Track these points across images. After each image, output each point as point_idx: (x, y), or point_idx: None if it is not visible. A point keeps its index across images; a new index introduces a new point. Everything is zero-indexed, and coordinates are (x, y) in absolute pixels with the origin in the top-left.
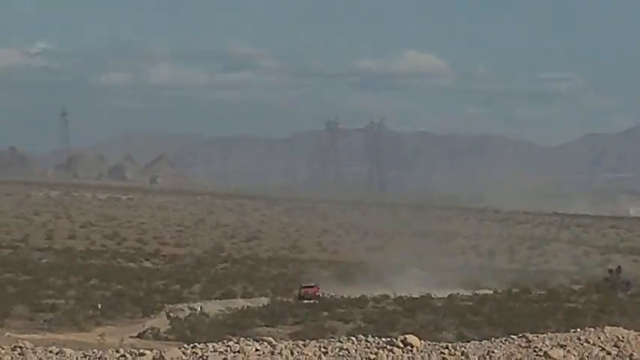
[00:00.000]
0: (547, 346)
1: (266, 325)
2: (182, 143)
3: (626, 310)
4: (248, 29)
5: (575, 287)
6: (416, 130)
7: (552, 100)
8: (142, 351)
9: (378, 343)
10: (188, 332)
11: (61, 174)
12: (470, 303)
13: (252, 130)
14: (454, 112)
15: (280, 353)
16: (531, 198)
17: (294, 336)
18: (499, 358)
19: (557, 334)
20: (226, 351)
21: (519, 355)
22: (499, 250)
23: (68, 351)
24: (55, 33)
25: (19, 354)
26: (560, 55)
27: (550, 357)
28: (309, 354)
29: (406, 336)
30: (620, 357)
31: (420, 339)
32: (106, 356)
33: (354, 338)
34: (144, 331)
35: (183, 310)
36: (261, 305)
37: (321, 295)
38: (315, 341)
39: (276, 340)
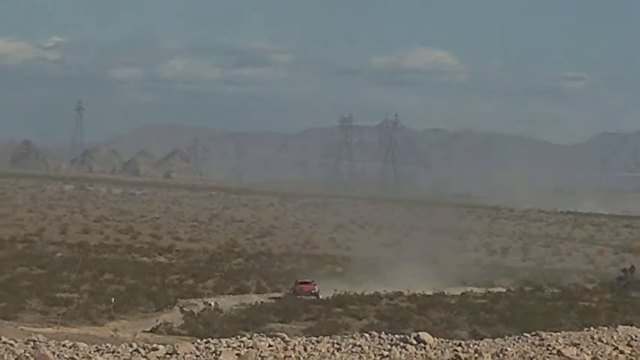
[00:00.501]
0: (560, 344)
1: (279, 321)
2: (196, 138)
3: None
4: (262, 24)
5: (589, 286)
6: (429, 127)
7: (567, 98)
8: (155, 346)
9: (392, 340)
10: (201, 327)
11: (75, 168)
12: (483, 301)
13: (266, 125)
14: (467, 109)
15: (293, 349)
16: (543, 196)
17: (307, 332)
18: (512, 355)
19: (571, 332)
20: (240, 347)
21: (532, 353)
22: (512, 247)
23: (81, 345)
24: (68, 26)
25: (33, 347)
26: (575, 53)
27: (563, 355)
28: (323, 350)
29: (419, 333)
30: (633, 356)
31: (433, 336)
32: (119, 350)
33: (367, 335)
34: (157, 326)
35: (196, 305)
36: (274, 301)
37: (316, 292)
38: (328, 337)
39: (289, 336)
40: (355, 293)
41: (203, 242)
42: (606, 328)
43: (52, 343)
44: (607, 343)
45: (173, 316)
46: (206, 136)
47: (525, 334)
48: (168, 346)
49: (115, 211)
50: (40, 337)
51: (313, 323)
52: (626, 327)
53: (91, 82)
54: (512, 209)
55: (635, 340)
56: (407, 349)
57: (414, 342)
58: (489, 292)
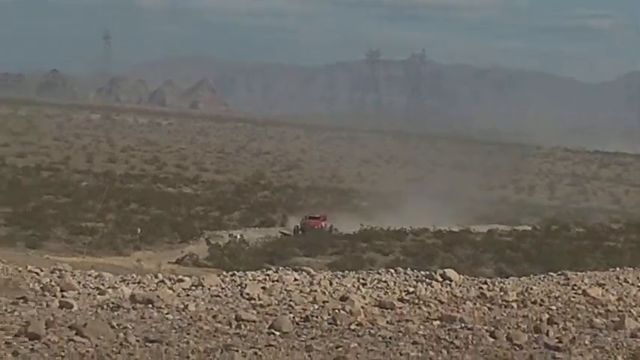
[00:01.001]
0: (586, 284)
1: (305, 255)
2: (222, 69)
3: None
4: None
5: (615, 226)
6: (455, 62)
7: (594, 36)
8: (180, 277)
9: (417, 277)
10: (227, 259)
11: (102, 97)
12: (509, 239)
13: (293, 58)
14: (493, 45)
15: (319, 283)
16: (564, 134)
17: (332, 266)
18: (537, 294)
19: (596, 272)
20: (265, 280)
21: (557, 292)
22: (539, 185)
23: (107, 275)
24: None
25: (58, 277)
26: None
27: (588, 295)
28: (348, 285)
29: (445, 270)
30: None
31: (459, 273)
32: (144, 281)
33: (392, 271)
34: (182, 257)
35: (222, 237)
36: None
37: (324, 227)
38: (353, 272)
39: (315, 270)
40: (381, 228)
41: (229, 174)
42: (631, 268)
43: (77, 272)
44: (632, 284)
45: (198, 248)
46: (232, 67)
47: (550, 273)
48: (193, 277)
49: (141, 140)
50: (66, 266)
51: (338, 257)
52: None
53: (119, 10)
54: (540, 147)
55: None
56: (432, 286)
57: (440, 279)
58: (515, 230)
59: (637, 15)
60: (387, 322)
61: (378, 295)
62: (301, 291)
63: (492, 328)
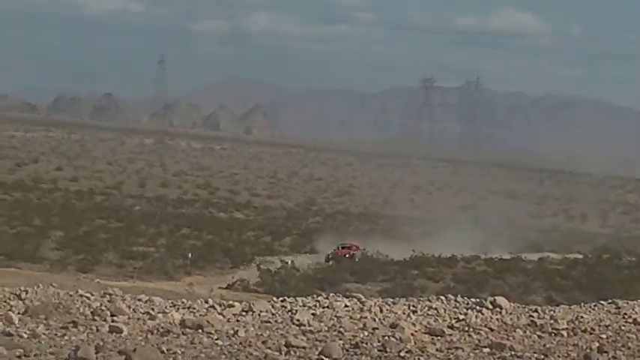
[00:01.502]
0: (636, 313)
1: (355, 282)
2: (275, 94)
3: None
4: None
5: None
6: (510, 90)
7: None
8: (230, 302)
9: (467, 304)
10: (277, 285)
11: (156, 122)
12: (560, 267)
13: (346, 83)
14: (549, 73)
15: (369, 310)
16: (619, 163)
17: (383, 293)
18: (588, 323)
19: None
20: (315, 306)
21: (608, 321)
22: (591, 214)
23: (157, 300)
24: None
25: (109, 301)
26: None
27: (639, 324)
28: (399, 312)
29: (495, 297)
30: None
31: (510, 301)
32: (194, 306)
33: (443, 298)
34: (233, 283)
35: (273, 262)
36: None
37: (354, 256)
38: (404, 299)
39: (365, 297)
40: (432, 255)
41: (281, 199)
42: None
43: (127, 297)
44: None
45: (249, 273)
46: (285, 92)
47: (601, 302)
48: (244, 303)
49: (194, 165)
50: (116, 290)
51: (389, 284)
52: None
53: (173, 34)
54: (591, 174)
55: None
56: (483, 313)
57: (490, 306)
58: (566, 258)
59: None
60: (437, 350)
61: (428, 322)
62: (351, 317)
63: (542, 356)
